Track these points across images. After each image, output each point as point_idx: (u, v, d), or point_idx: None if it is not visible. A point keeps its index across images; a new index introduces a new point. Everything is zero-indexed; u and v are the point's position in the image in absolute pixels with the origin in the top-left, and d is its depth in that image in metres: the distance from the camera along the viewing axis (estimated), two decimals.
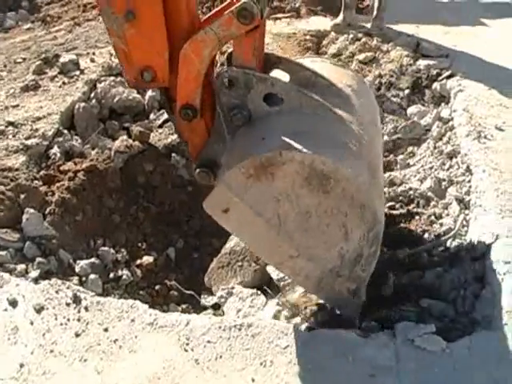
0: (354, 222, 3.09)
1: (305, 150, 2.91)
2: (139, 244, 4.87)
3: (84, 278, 4.12)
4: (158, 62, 3.20)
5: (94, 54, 6.89)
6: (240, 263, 4.32)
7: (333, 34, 6.89)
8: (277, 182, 3.04)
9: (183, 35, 3.17)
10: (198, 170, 3.51)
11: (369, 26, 6.94)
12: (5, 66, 6.72)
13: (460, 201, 4.41)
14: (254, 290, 4.06)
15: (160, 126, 5.63)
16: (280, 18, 7.26)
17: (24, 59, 6.86)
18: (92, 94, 6.02)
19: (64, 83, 6.23)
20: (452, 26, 6.93)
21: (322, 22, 7.36)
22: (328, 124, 3.19)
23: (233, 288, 4.14)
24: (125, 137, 5.46)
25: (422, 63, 6.17)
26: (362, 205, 3.02)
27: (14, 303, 3.63)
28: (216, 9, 3.44)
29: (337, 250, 3.20)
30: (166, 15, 3.09)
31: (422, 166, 5.04)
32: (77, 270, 4.15)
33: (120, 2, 3.01)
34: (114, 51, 3.29)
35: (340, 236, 3.15)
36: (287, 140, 2.99)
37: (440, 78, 5.92)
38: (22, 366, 3.27)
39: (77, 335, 3.42)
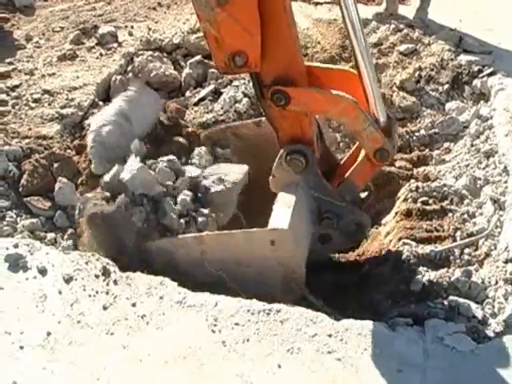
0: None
1: None
2: None
3: None
4: (251, 45, 3.20)
5: (132, 27, 6.87)
6: None
7: (374, 23, 6.78)
8: None
9: (276, 19, 3.20)
10: (289, 157, 3.70)
11: (411, 17, 6.85)
12: (43, 34, 6.72)
13: (495, 201, 4.34)
14: None
15: (195, 104, 5.61)
16: (321, 3, 7.16)
17: (62, 28, 6.85)
18: (129, 68, 6.01)
19: (101, 54, 6.23)
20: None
21: (364, 10, 7.23)
22: None
23: None
24: (160, 112, 5.43)
25: (463, 58, 6.05)
26: None
27: (43, 271, 3.65)
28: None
29: None
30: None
31: (458, 162, 4.97)
32: None
33: None
34: (204, 37, 3.28)
35: None
36: None
37: (481, 74, 5.80)
38: (49, 334, 3.29)
39: (104, 308, 3.43)
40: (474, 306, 3.59)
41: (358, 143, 3.83)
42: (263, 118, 3.99)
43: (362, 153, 3.74)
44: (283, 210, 3.71)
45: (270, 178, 3.89)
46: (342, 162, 4.09)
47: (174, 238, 3.85)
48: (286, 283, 3.69)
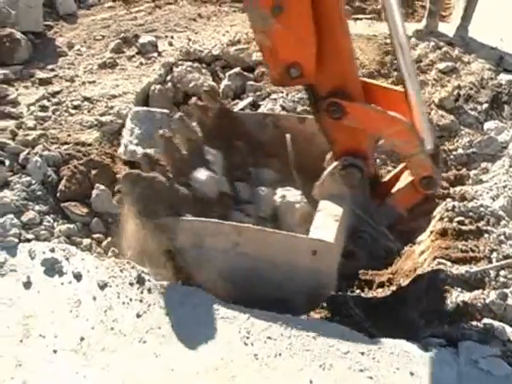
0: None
1: None
2: None
3: None
4: (306, 56, 3.19)
5: (172, 37, 6.92)
6: None
7: (414, 39, 6.75)
8: None
9: (331, 29, 3.18)
10: (346, 170, 3.64)
11: (451, 35, 6.80)
12: (84, 42, 6.81)
13: None
14: None
15: None
16: (361, 19, 7.16)
17: (103, 37, 6.94)
18: (168, 77, 6.06)
19: (141, 64, 6.29)
20: None
21: None
22: None
23: None
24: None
25: (503, 78, 6.00)
26: None
27: (78, 277, 3.69)
28: None
29: None
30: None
31: (496, 183, 4.91)
32: None
33: None
34: (259, 48, 3.28)
35: None
36: None
37: None
38: (82, 339, 3.32)
39: (138, 316, 3.45)
40: (509, 329, 3.54)
41: (403, 164, 3.77)
42: (309, 116, 3.92)
43: (407, 177, 3.69)
44: (329, 222, 3.65)
45: (317, 183, 3.81)
46: (384, 180, 4.02)
47: (209, 221, 3.64)
48: (310, 294, 3.62)
